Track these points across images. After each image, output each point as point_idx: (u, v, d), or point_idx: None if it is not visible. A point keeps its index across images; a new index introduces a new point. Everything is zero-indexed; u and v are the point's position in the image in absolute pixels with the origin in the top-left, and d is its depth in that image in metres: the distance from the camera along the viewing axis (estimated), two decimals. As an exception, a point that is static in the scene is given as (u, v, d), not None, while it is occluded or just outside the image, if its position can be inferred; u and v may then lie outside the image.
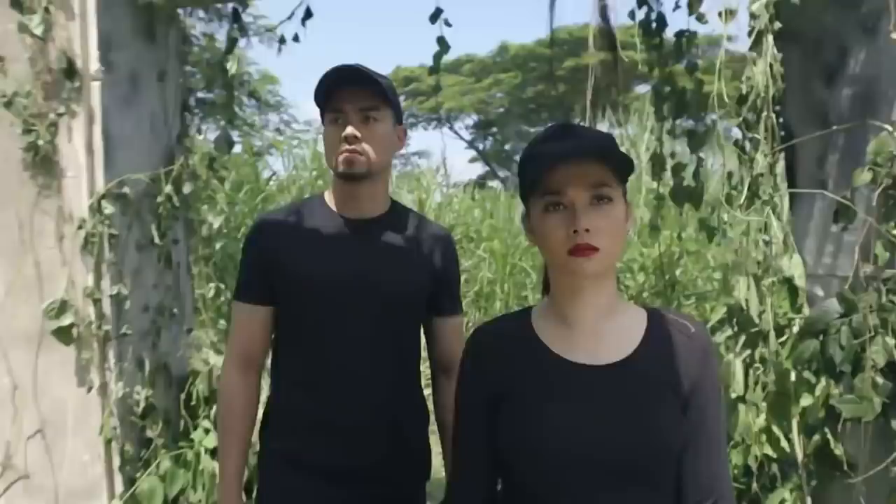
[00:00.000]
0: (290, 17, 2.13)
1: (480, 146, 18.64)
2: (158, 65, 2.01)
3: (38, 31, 1.53)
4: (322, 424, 1.29)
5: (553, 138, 0.92)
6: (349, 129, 1.27)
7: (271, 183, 6.25)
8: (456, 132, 18.22)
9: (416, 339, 1.39)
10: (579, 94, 2.37)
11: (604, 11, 2.18)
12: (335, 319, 1.30)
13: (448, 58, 2.34)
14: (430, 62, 2.07)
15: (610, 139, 0.94)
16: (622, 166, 0.89)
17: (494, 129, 18.10)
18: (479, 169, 18.81)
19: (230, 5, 2.19)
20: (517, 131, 17.77)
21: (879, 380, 1.50)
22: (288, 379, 1.35)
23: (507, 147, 18.34)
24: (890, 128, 1.59)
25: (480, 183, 7.93)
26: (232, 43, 2.20)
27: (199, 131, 2.36)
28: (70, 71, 1.58)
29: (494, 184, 15.56)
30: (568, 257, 0.88)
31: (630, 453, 0.86)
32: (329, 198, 1.39)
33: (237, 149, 3.52)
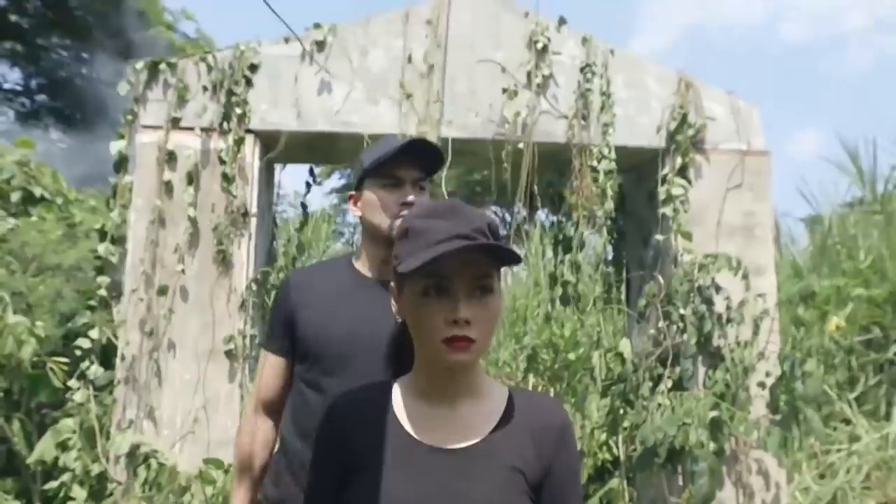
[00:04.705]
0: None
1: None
2: (267, 199, 3.43)
3: (235, 192, 2.94)
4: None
5: (438, 216, 0.91)
6: (412, 196, 1.39)
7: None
8: (406, 208, 19.72)
9: None
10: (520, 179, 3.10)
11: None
12: (344, 377, 1.33)
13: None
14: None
15: (496, 227, 0.92)
16: (507, 259, 0.90)
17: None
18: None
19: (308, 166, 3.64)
20: (449, 193, 19.54)
21: (647, 403, 3.00)
22: (287, 429, 1.42)
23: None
24: (661, 278, 3.16)
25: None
26: (308, 188, 3.64)
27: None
28: (244, 214, 2.99)
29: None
30: (442, 345, 0.87)
31: None
32: (357, 262, 1.47)
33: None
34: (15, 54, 14.07)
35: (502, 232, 0.92)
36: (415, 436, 0.93)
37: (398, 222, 1.34)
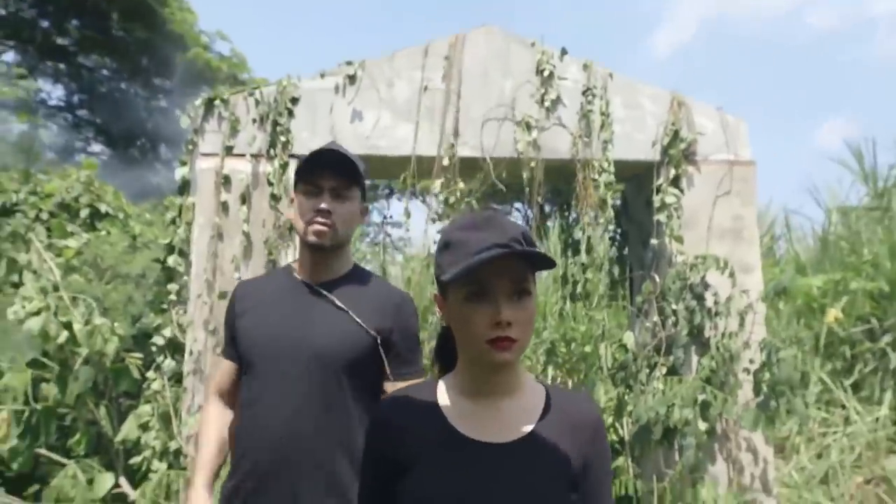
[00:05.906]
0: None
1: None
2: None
3: (281, 210, 3.41)
4: (252, 466, 1.38)
5: (476, 228, 0.96)
6: (324, 204, 1.43)
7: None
8: (427, 204, 20.22)
9: (359, 397, 1.43)
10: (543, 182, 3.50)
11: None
12: (270, 381, 1.40)
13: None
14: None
15: (529, 236, 0.97)
16: (541, 264, 0.96)
17: (463, 206, 20.15)
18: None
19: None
20: (484, 208, 19.95)
21: (644, 388, 3.39)
22: (238, 427, 1.47)
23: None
24: (657, 277, 3.55)
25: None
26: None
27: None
28: (290, 228, 3.45)
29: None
30: (486, 346, 0.93)
31: None
32: (296, 264, 1.54)
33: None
34: (58, 73, 14.92)
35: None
36: (461, 431, 0.99)
37: (312, 228, 1.44)
